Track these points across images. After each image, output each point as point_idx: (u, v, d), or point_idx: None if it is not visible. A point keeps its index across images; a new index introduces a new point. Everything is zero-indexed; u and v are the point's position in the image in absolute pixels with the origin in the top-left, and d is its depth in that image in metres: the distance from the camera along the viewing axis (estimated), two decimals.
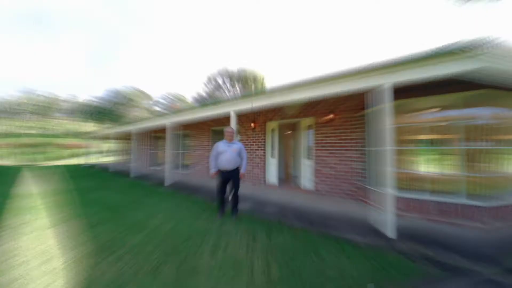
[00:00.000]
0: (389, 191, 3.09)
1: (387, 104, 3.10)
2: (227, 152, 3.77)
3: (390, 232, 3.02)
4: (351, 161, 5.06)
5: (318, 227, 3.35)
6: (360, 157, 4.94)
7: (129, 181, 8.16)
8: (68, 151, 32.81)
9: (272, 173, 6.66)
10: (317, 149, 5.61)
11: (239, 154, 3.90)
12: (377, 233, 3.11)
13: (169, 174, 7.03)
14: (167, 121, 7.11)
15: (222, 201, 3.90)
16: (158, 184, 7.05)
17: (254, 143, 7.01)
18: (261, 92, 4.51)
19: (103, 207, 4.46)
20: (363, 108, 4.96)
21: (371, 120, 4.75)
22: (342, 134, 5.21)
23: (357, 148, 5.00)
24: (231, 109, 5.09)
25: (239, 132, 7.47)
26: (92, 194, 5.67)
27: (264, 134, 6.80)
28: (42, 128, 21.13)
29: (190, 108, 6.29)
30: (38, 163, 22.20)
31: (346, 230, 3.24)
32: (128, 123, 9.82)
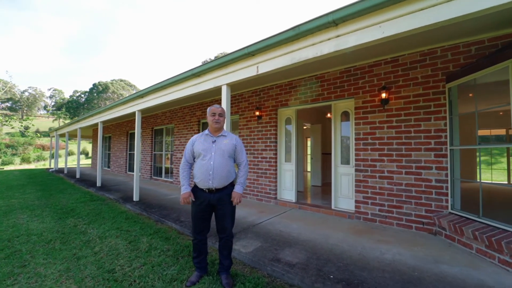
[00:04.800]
0: None
1: None
2: (210, 154, 2.12)
3: None
4: (421, 167, 3.38)
5: None
6: (437, 161, 3.26)
7: (90, 192, 6.63)
8: (49, 153, 31.84)
9: (287, 185, 4.98)
10: (360, 149, 3.92)
11: (234, 156, 2.23)
12: None
13: (138, 185, 5.43)
14: (135, 108, 5.51)
15: (201, 248, 2.21)
16: (125, 199, 5.48)
17: (260, 141, 5.33)
18: (275, 42, 2.72)
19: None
20: (443, 80, 3.26)
21: (469, 95, 2.99)
22: (404, 124, 3.54)
23: (432, 146, 3.31)
24: (223, 82, 3.45)
25: (237, 125, 5.81)
26: (11, 218, 4.11)
27: (275, 126, 5.13)
28: (24, 126, 20.34)
29: (160, 86, 4.58)
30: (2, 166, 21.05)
31: None
32: (92, 115, 8.31)
